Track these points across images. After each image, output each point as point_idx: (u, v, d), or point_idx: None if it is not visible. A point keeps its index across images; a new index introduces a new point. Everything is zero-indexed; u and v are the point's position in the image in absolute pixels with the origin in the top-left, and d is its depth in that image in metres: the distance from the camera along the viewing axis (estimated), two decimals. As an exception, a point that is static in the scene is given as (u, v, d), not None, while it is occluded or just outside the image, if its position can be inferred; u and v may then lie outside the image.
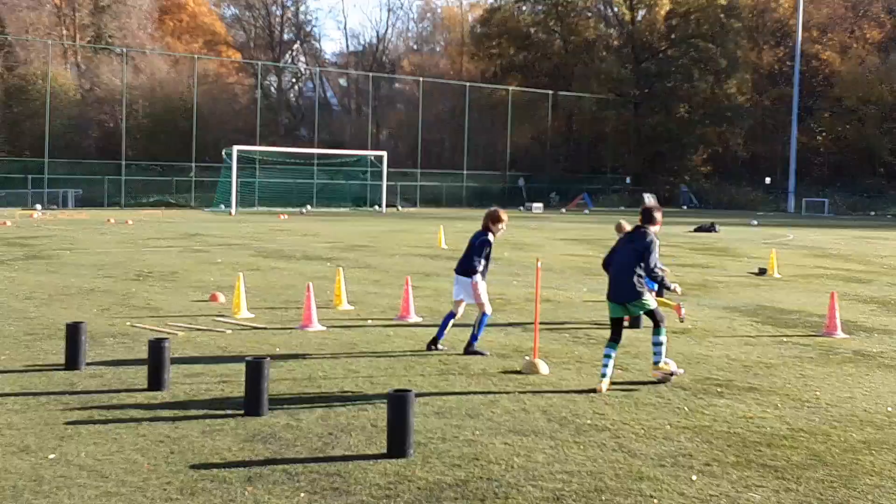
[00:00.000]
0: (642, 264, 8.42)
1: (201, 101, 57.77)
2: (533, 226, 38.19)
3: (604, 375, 8.35)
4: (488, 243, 9.81)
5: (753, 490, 5.73)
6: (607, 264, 8.82)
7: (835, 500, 5.60)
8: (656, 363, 8.63)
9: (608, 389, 8.23)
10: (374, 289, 15.35)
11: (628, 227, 9.77)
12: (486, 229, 9.85)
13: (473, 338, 9.84)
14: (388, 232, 31.75)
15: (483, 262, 9.76)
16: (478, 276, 9.74)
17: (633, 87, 71.49)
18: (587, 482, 5.79)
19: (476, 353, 9.79)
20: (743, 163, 73.55)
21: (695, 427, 7.14)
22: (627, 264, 8.46)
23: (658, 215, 8.75)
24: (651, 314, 8.55)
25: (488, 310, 9.86)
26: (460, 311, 10.07)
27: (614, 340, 8.52)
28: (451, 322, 10.02)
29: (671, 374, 8.63)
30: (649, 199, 12.07)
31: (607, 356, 8.39)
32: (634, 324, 11.52)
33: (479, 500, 5.46)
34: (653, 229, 8.66)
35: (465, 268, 9.79)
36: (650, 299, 8.56)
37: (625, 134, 72.22)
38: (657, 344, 8.58)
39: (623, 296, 8.49)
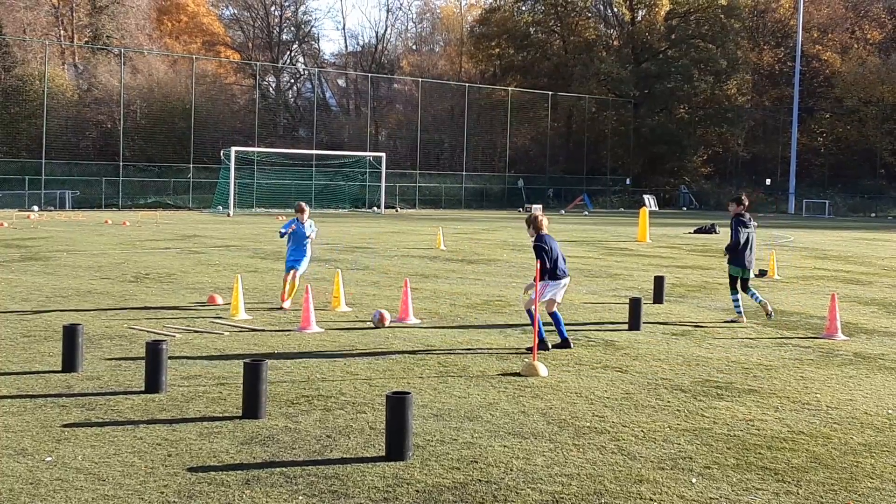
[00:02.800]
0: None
1: (199, 101, 57.73)
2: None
3: (739, 313, 12.43)
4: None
5: (753, 493, 5.70)
6: (743, 246, 12.31)
7: (835, 503, 5.58)
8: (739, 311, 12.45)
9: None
10: (373, 290, 15.32)
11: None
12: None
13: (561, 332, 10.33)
14: (386, 233, 31.72)
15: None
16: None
17: (633, 88, 71.43)
18: (586, 485, 5.76)
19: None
20: (743, 164, 73.58)
21: (694, 429, 7.11)
22: (754, 243, 12.56)
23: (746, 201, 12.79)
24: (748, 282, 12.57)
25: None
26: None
27: (737, 289, 12.44)
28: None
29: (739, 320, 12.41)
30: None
31: (736, 300, 12.42)
32: (635, 326, 11.70)
33: (478, 502, 5.43)
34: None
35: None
36: None
37: (624, 135, 72.16)
38: (754, 297, 12.51)
39: (752, 265, 12.59)
